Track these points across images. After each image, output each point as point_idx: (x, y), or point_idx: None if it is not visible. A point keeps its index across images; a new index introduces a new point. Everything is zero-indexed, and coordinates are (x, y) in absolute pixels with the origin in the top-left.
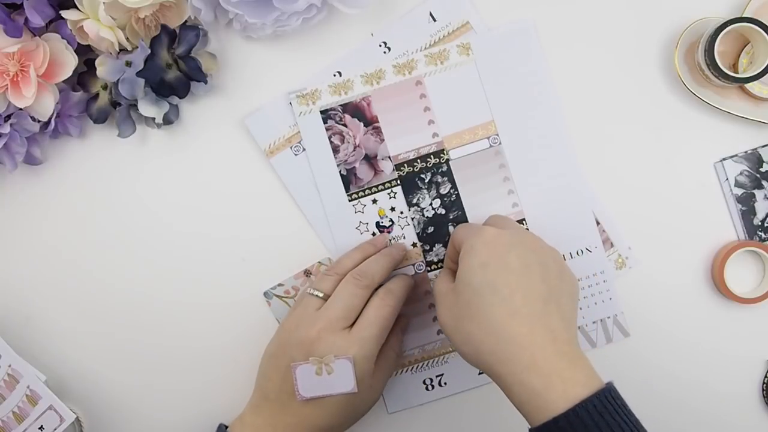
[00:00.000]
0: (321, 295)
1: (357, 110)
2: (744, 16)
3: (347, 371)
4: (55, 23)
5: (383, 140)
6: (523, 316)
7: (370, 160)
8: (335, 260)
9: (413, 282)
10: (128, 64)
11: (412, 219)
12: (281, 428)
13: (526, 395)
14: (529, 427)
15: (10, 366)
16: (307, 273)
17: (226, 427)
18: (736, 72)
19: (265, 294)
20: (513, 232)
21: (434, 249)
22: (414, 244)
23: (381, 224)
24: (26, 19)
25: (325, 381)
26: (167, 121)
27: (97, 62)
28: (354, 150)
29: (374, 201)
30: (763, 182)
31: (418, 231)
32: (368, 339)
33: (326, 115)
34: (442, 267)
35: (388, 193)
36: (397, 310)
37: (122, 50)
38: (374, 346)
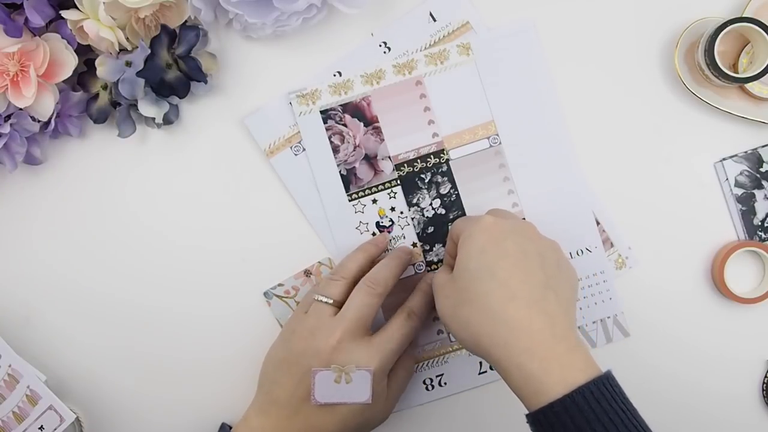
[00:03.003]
0: (331, 301)
1: (357, 110)
2: (744, 16)
3: (365, 382)
4: (55, 23)
5: (383, 140)
6: (520, 301)
7: (370, 160)
8: (339, 263)
9: (431, 299)
10: (128, 64)
11: (412, 219)
12: None
13: (523, 379)
14: (526, 412)
15: (10, 366)
16: (307, 273)
17: (230, 427)
18: (736, 72)
19: (265, 294)
20: (511, 221)
21: (434, 249)
22: (414, 244)
23: (381, 224)
24: (26, 19)
25: (342, 389)
26: (167, 121)
27: (97, 62)
28: (354, 150)
29: (374, 201)
30: (763, 182)
31: (418, 231)
32: (388, 353)
33: (326, 115)
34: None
35: (388, 193)
36: (417, 331)
37: (122, 50)
38: (392, 360)
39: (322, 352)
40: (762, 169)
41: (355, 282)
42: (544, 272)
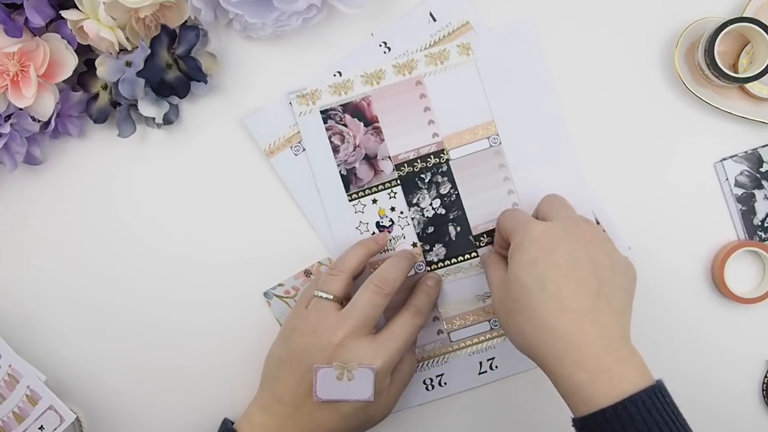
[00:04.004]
0: (331, 297)
1: (357, 110)
2: (744, 16)
3: (367, 380)
4: (55, 23)
5: (383, 140)
6: (571, 313)
7: (370, 160)
8: (339, 257)
9: (438, 290)
10: (128, 64)
11: (412, 219)
12: (291, 430)
13: (572, 389)
14: (573, 416)
15: (10, 366)
16: (307, 273)
17: (232, 423)
18: (736, 72)
19: (265, 294)
20: (562, 225)
21: (434, 249)
22: (414, 244)
23: (381, 224)
24: (26, 19)
25: (344, 386)
26: (167, 121)
27: (97, 62)
28: (354, 150)
29: (374, 201)
30: (763, 182)
31: (418, 231)
32: (392, 351)
33: (326, 115)
34: (445, 266)
35: (388, 193)
36: (420, 329)
37: (122, 50)
38: (396, 359)
39: (326, 348)
40: (762, 169)
41: (354, 276)
42: (596, 279)
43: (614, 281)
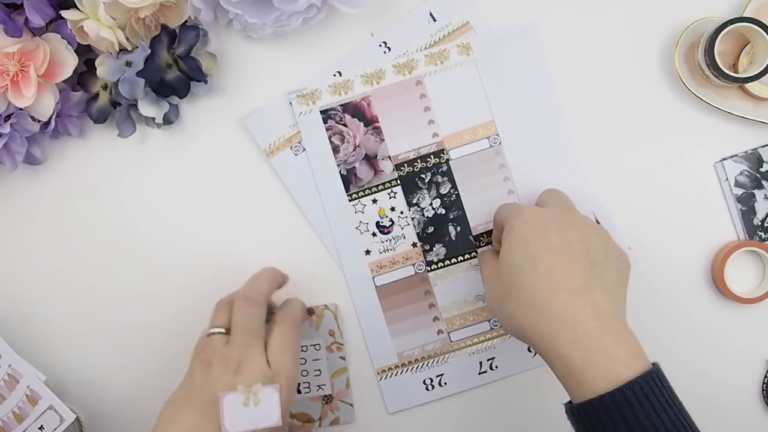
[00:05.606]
0: (223, 330)
1: (357, 110)
2: (744, 16)
3: (273, 401)
4: (55, 23)
5: (383, 140)
6: (564, 291)
7: (370, 160)
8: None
9: (304, 305)
10: (128, 64)
11: (412, 219)
12: None
13: (566, 370)
14: (570, 401)
15: (10, 366)
16: (310, 312)
17: None
18: (736, 72)
19: None
20: (554, 209)
21: (434, 249)
22: (414, 244)
23: (381, 224)
24: (26, 19)
25: (250, 413)
26: (167, 121)
27: (97, 62)
28: (354, 150)
29: (374, 201)
30: (763, 182)
31: (418, 231)
32: (286, 364)
33: (326, 115)
34: (445, 266)
35: (388, 193)
36: (298, 331)
37: (122, 50)
38: (294, 368)
39: (223, 375)
40: (762, 169)
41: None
42: (588, 260)
43: (608, 263)
